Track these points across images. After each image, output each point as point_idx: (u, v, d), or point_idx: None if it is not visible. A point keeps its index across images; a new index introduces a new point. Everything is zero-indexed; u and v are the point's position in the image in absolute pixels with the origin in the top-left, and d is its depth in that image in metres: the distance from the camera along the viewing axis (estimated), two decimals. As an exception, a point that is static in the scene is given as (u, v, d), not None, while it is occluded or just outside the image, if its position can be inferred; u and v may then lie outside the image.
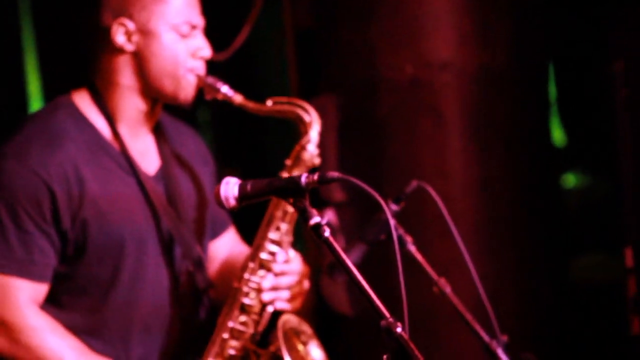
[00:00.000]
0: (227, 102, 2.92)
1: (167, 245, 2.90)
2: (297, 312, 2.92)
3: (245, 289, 2.87)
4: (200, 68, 2.90)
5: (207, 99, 2.93)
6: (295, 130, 3.00)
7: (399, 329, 2.06)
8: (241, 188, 2.29)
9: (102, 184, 2.82)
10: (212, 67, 2.96)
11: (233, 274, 2.96)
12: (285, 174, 2.88)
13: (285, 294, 2.90)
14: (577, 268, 5.30)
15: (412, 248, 2.79)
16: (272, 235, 2.89)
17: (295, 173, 2.86)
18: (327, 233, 2.18)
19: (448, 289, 2.76)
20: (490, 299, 2.74)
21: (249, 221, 3.04)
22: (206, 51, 2.91)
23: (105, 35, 2.86)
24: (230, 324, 2.88)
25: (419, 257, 2.75)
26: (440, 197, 2.81)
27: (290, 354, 2.77)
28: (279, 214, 2.88)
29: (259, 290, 2.88)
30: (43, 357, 2.77)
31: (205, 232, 3.03)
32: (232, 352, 2.88)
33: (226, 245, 3.18)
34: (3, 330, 2.77)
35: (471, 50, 4.09)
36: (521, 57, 4.19)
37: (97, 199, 2.79)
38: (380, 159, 4.12)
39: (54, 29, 5.21)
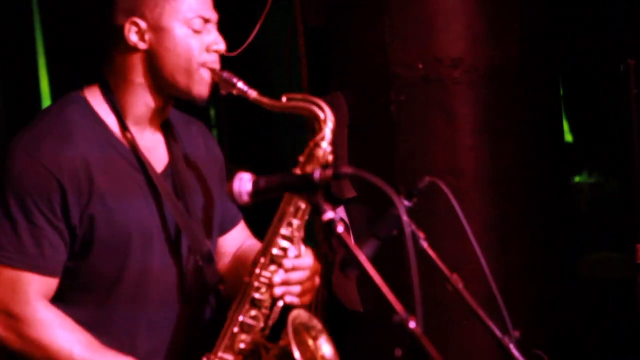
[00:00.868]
0: (231, 100, 2.92)
1: (174, 241, 2.90)
2: (305, 307, 2.93)
3: (256, 283, 2.87)
4: (215, 62, 2.90)
5: (222, 94, 2.93)
6: (300, 126, 2.99)
7: (412, 324, 2.06)
8: (255, 184, 2.29)
9: (111, 181, 2.82)
10: (223, 64, 2.96)
11: (243, 268, 2.96)
12: (297, 171, 2.88)
13: (296, 289, 2.90)
14: (588, 265, 5.31)
15: (424, 244, 2.79)
16: (284, 230, 2.89)
17: (308, 170, 2.86)
18: (340, 228, 2.19)
19: (460, 285, 2.76)
20: (501, 295, 2.74)
21: (260, 217, 3.05)
22: (220, 45, 2.90)
23: (118, 34, 2.86)
24: (241, 318, 2.88)
25: (431, 253, 2.75)
26: (452, 194, 2.81)
27: (300, 349, 2.77)
28: (291, 209, 2.88)
29: (269, 285, 2.88)
30: (52, 351, 2.77)
31: (213, 228, 3.03)
32: (242, 345, 2.88)
33: (236, 240, 3.18)
34: (13, 324, 2.78)
35: (483, 47, 4.09)
36: (533, 54, 4.18)
37: (105, 195, 2.80)
38: (391, 156, 4.12)
39: (62, 29, 5.23)
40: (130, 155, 2.87)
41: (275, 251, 2.89)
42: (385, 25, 4.09)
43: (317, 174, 2.21)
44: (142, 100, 2.89)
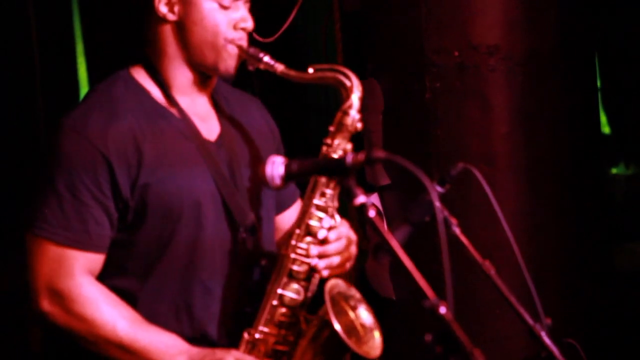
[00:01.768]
0: (261, 86, 2.91)
1: (223, 211, 2.91)
2: (342, 277, 2.92)
3: (292, 255, 2.87)
4: (242, 39, 2.90)
5: (250, 70, 2.93)
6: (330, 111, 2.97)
7: (443, 310, 2.06)
8: (287, 167, 2.29)
9: (161, 150, 2.84)
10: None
11: (283, 241, 2.97)
12: (328, 140, 2.87)
13: (335, 259, 2.90)
14: (623, 256, 5.28)
15: (457, 230, 2.78)
16: (318, 201, 2.89)
17: (339, 139, 2.85)
18: (372, 213, 2.18)
19: (492, 272, 2.75)
20: (533, 282, 2.73)
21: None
22: (248, 23, 2.90)
23: (149, 5, 2.89)
24: (279, 290, 2.88)
25: (463, 239, 2.74)
26: (485, 181, 2.80)
27: (339, 319, 2.76)
28: (323, 179, 2.87)
29: (306, 256, 2.88)
30: (96, 325, 2.79)
31: (261, 202, 3.02)
32: (282, 318, 2.89)
33: (294, 218, 3.18)
34: (58, 300, 2.80)
35: (519, 34, 4.07)
36: (569, 42, 4.16)
37: (155, 165, 2.82)
38: (425, 143, 4.11)
39: (101, 13, 5.27)
40: (181, 123, 2.89)
41: (310, 222, 2.89)
42: (422, 11, 4.08)
43: (349, 158, 2.21)
44: (179, 71, 2.91)
